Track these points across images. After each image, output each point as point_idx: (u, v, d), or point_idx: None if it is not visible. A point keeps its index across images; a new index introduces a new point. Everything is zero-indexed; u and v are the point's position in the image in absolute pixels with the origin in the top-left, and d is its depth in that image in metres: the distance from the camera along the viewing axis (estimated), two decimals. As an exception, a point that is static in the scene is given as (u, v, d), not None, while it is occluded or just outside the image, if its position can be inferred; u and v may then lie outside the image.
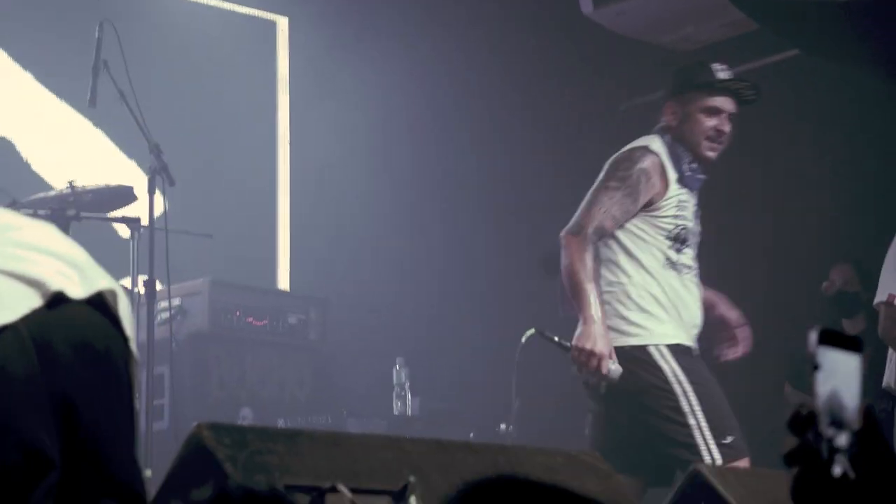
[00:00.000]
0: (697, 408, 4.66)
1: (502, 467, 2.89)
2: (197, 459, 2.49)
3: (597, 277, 4.73)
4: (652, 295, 4.83)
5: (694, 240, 4.92)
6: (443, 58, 8.04)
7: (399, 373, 6.93)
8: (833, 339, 1.39)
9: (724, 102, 4.93)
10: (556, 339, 4.84)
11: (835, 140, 7.45)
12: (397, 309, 7.81)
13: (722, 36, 7.70)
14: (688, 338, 4.87)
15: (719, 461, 4.59)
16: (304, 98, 8.33)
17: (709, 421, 4.65)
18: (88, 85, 5.94)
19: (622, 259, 4.84)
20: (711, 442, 4.63)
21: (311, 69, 8.29)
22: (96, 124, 7.47)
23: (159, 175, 5.72)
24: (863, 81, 7.12)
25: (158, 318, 6.09)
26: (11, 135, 7.36)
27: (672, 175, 4.86)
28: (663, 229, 4.84)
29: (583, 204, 4.83)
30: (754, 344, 7.58)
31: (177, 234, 5.84)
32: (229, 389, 6.78)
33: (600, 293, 4.72)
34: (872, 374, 6.71)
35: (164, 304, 6.10)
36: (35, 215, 5.63)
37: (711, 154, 4.91)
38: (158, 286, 5.77)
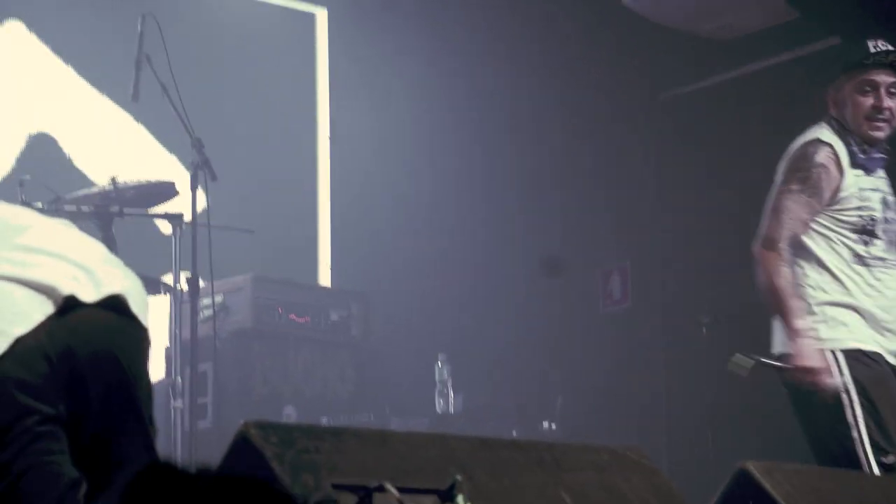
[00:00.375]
0: (861, 420, 4.46)
1: (548, 464, 2.88)
2: (244, 458, 2.48)
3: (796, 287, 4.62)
4: (828, 296, 4.62)
5: (888, 227, 4.65)
6: (484, 48, 8.02)
7: (441, 370, 6.91)
8: None
9: (878, 76, 4.67)
10: (771, 362, 4.69)
11: None
12: (439, 305, 7.79)
13: (762, 24, 7.64)
14: (874, 340, 4.61)
15: None
16: (343, 91, 8.33)
17: (870, 436, 4.45)
18: (131, 79, 5.93)
19: (801, 260, 4.64)
20: (872, 458, 4.43)
21: (350, 62, 8.28)
22: (137, 119, 7.48)
23: (201, 170, 5.72)
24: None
25: (201, 314, 6.10)
26: (54, 131, 7.38)
27: (846, 162, 4.64)
28: (847, 223, 4.62)
29: (767, 211, 4.64)
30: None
31: (219, 229, 5.83)
32: (273, 387, 6.77)
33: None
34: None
35: (206, 300, 6.09)
36: (78, 212, 5.65)
37: (878, 133, 4.66)
38: (201, 283, 5.78)
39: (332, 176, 8.30)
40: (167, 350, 6.41)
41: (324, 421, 6.51)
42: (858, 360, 4.52)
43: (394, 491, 2.50)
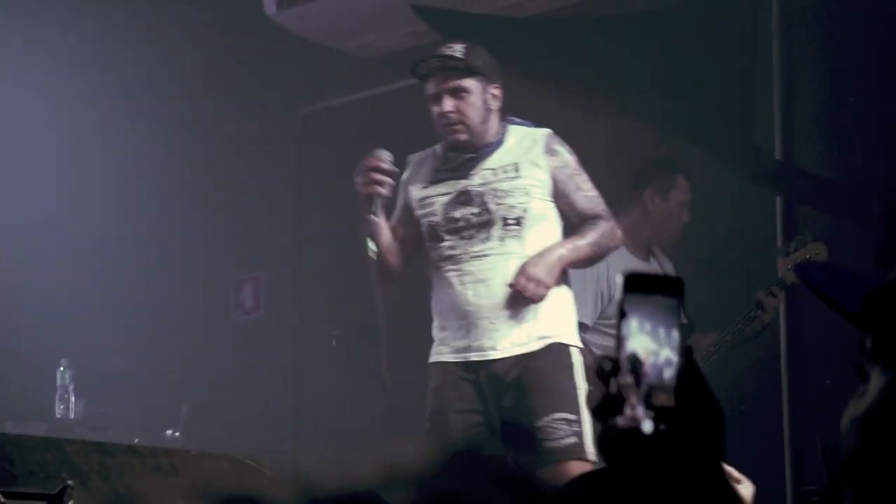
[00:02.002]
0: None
1: (165, 470, 2.81)
2: None
3: None
4: (434, 310, 4.78)
5: (454, 226, 4.66)
6: (121, 54, 7.83)
7: (63, 374, 6.70)
8: (643, 281, 1.32)
9: (431, 85, 4.74)
10: None
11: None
12: (64, 308, 7.55)
13: (406, 45, 7.75)
14: (452, 349, 4.68)
15: None
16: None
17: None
18: None
19: None
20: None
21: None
22: None
23: None
24: (540, 97, 7.29)
25: None
26: None
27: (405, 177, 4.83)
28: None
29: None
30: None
31: None
32: None
33: None
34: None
35: None
36: None
37: (454, 136, 4.71)
38: None
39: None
40: None
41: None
42: (435, 370, 4.75)
43: (0, 496, 2.39)
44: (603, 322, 5.64)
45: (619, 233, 4.82)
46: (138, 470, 2.73)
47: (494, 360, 4.60)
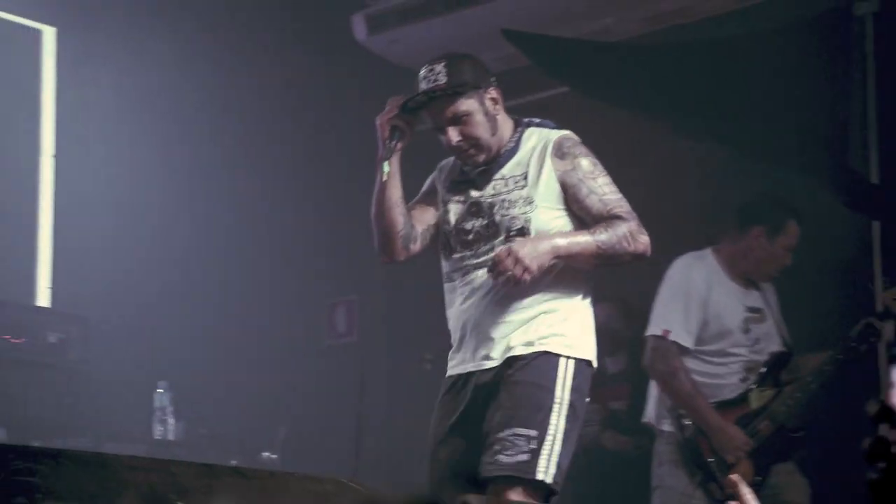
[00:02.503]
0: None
1: (270, 492, 2.85)
2: (-47, 479, 2.38)
3: None
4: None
5: (464, 238, 4.45)
6: (220, 62, 7.94)
7: (161, 396, 6.80)
8: None
9: (427, 120, 4.49)
10: None
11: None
12: (163, 331, 7.65)
13: (495, 69, 7.78)
14: (456, 362, 4.46)
15: None
16: (70, 111, 8.12)
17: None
18: None
19: None
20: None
21: (78, 81, 8.08)
22: None
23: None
24: (626, 119, 7.29)
25: (-89, 332, 5.85)
26: None
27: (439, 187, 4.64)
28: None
29: None
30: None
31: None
32: (-17, 408, 6.55)
33: None
34: (633, 410, 6.86)
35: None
36: None
37: (472, 161, 4.45)
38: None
39: (55, 195, 8.07)
40: None
41: (36, 444, 6.31)
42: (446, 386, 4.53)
43: (112, 516, 2.44)
44: (700, 349, 5.62)
45: (643, 239, 4.40)
46: (243, 491, 2.76)
47: (486, 370, 4.34)
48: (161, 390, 6.78)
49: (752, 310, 5.77)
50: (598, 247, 4.32)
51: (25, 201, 7.98)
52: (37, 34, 8.21)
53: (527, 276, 4.19)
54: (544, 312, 4.36)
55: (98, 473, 2.57)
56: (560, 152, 4.41)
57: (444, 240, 4.50)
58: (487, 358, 4.35)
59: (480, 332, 4.36)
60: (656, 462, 5.70)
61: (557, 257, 4.27)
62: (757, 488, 5.52)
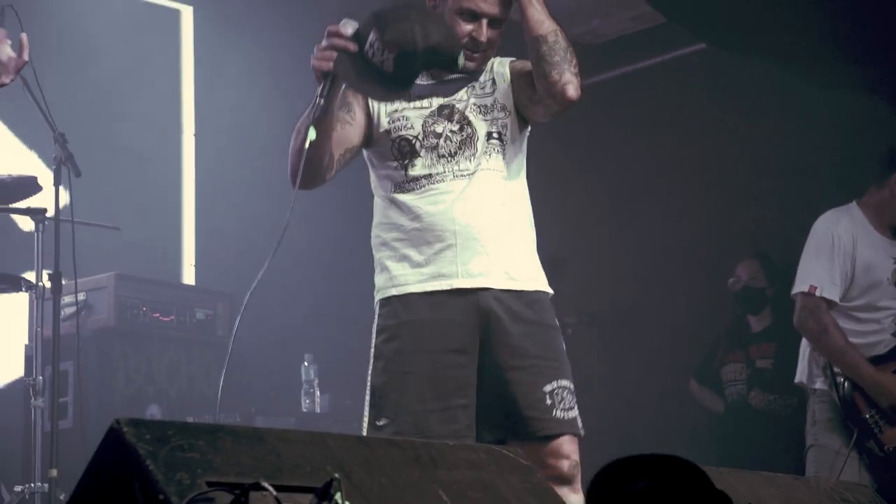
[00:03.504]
0: (369, 380, 4.02)
1: (424, 462, 2.86)
2: (116, 456, 2.41)
3: None
4: (380, 239, 4.12)
5: (434, 142, 4.05)
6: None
7: (307, 369, 6.87)
8: None
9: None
10: None
11: (737, 133, 7.52)
12: (306, 305, 7.73)
13: (630, 29, 7.73)
14: (425, 277, 4.00)
15: None
16: (209, 88, 8.23)
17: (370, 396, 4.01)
18: (-12, 73, 5.75)
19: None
20: (365, 421, 4.01)
21: (215, 59, 8.19)
22: (-7, 114, 7.33)
23: (64, 165, 5.59)
24: (766, 74, 7.18)
25: (63, 312, 5.97)
26: None
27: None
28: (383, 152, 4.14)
29: None
30: (662, 338, 7.68)
31: (82, 226, 5.71)
32: (136, 386, 6.68)
33: None
34: (778, 368, 6.78)
35: (69, 298, 5.97)
36: (-65, 206, 5.50)
37: (470, 63, 4.08)
38: (63, 280, 5.65)
39: (196, 173, 8.19)
40: (27, 348, 6.28)
41: (189, 420, 6.43)
42: (400, 303, 4.06)
43: (270, 489, 2.46)
44: (848, 305, 5.53)
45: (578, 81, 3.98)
46: (398, 462, 2.78)
47: (485, 290, 3.97)
48: (307, 363, 6.85)
49: None
50: (552, 30, 3.98)
51: (170, 181, 8.11)
52: (175, 14, 8.34)
53: None
54: (528, 241, 4.12)
55: (255, 447, 2.59)
56: (513, 62, 4.15)
57: (402, 147, 4.05)
58: (487, 275, 4.00)
59: (474, 245, 3.99)
60: (810, 421, 5.62)
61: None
62: (918, 443, 5.42)
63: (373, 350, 4.08)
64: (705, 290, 7.49)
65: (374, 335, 4.08)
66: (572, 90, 3.93)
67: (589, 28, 7.68)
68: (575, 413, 4.02)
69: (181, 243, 8.07)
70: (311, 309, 7.73)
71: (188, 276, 8.01)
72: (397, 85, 3.88)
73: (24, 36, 4.16)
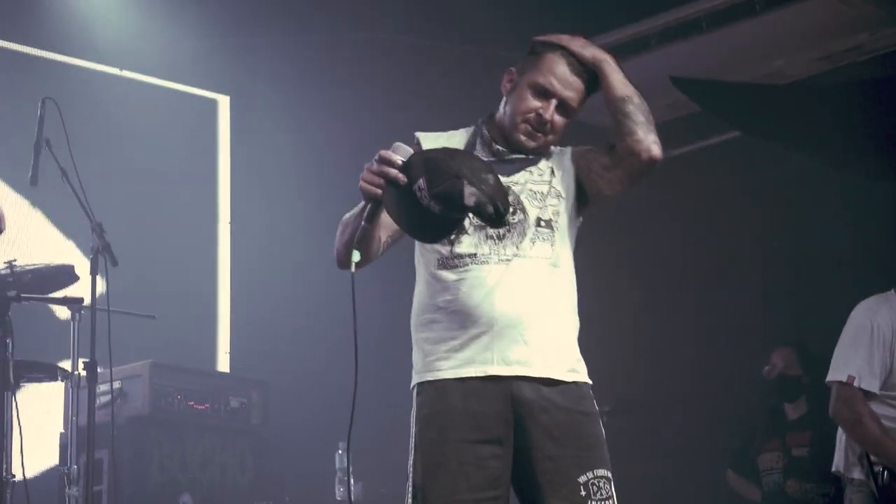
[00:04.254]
0: (409, 472, 3.95)
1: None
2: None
3: None
4: (419, 319, 4.07)
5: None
6: (382, 137, 8.03)
7: (342, 457, 6.84)
8: None
9: (554, 67, 4.04)
10: None
11: (773, 221, 7.51)
12: (339, 393, 7.71)
13: (662, 119, 7.75)
14: (460, 362, 3.93)
15: None
16: (244, 178, 8.30)
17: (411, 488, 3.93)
18: (29, 164, 5.82)
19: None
20: None
21: (251, 149, 8.26)
22: (35, 204, 7.38)
23: (101, 255, 5.62)
24: (802, 162, 7.19)
25: (99, 401, 5.99)
26: (-53, 215, 7.25)
27: None
28: None
29: None
30: (698, 427, 7.63)
31: (118, 314, 5.74)
32: (170, 474, 6.66)
33: None
34: (814, 456, 6.73)
35: (104, 387, 5.99)
36: (-25, 298, 5.54)
37: (531, 143, 4.03)
38: (99, 369, 5.67)
39: (231, 262, 8.23)
40: (62, 436, 6.30)
41: (225, 510, 6.44)
42: (440, 389, 3.99)
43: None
44: (887, 394, 5.49)
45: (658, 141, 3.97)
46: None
47: (522, 379, 3.88)
48: (341, 451, 6.83)
49: None
50: (635, 92, 3.93)
51: (205, 270, 8.15)
52: (212, 104, 8.43)
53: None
54: (569, 330, 4.02)
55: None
56: (576, 147, 4.10)
57: None
58: (524, 364, 3.91)
59: (513, 333, 3.91)
60: (847, 511, 5.56)
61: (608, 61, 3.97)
62: (956, 531, 5.36)
63: (412, 441, 4.07)
64: (742, 379, 7.46)
65: (412, 426, 4.03)
66: (657, 149, 3.91)
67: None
68: (612, 503, 3.99)
69: (216, 331, 8.10)
70: (346, 395, 7.71)
71: (223, 364, 8.02)
72: (439, 232, 3.87)
73: None
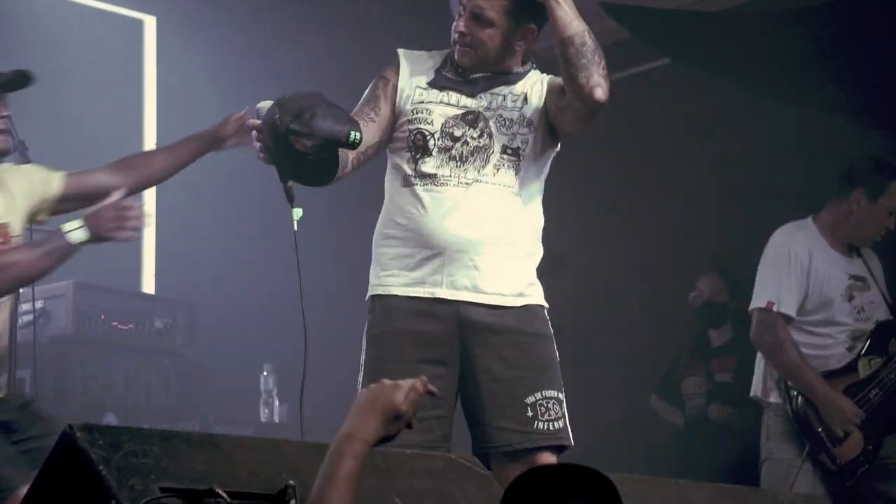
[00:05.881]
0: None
1: (380, 469, 2.85)
2: (69, 461, 2.40)
3: None
4: (381, 234, 4.11)
5: (448, 143, 4.02)
6: (318, 47, 7.97)
7: (266, 379, 6.85)
8: None
9: None
10: None
11: (700, 149, 7.54)
12: (266, 315, 7.70)
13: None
14: (411, 280, 4.00)
15: None
16: (169, 98, 8.20)
17: None
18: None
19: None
20: None
21: (177, 69, 8.15)
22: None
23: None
24: (734, 91, 7.20)
25: (21, 320, 5.92)
26: None
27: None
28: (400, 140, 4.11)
29: None
30: (622, 352, 7.68)
31: (41, 233, 5.67)
32: (93, 394, 6.64)
33: None
34: (738, 382, 6.80)
35: (26, 306, 5.93)
36: None
37: (460, 57, 4.06)
38: (20, 288, 5.60)
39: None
40: (-17, 356, 6.23)
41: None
42: (397, 301, 4.08)
43: (224, 496, 2.45)
44: (804, 319, 5.55)
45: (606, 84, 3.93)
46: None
47: (470, 304, 3.97)
48: (266, 373, 6.83)
49: (855, 277, 5.68)
50: (580, 30, 3.90)
51: (132, 189, 8.07)
52: (138, 24, 8.31)
53: None
54: (526, 258, 4.10)
55: (209, 454, 2.58)
56: (556, 77, 4.07)
57: (417, 141, 4.04)
58: (472, 290, 3.99)
59: (464, 258, 3.98)
60: (764, 435, 5.64)
61: None
62: (869, 458, 5.44)
63: (362, 358, 4.19)
64: (667, 305, 7.51)
65: (363, 343, 4.18)
66: (600, 92, 3.88)
67: (551, 42, 7.68)
68: (561, 423, 4.01)
69: (141, 252, 8.03)
70: (271, 317, 7.70)
71: (148, 285, 7.96)
72: (310, 167, 3.99)
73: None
